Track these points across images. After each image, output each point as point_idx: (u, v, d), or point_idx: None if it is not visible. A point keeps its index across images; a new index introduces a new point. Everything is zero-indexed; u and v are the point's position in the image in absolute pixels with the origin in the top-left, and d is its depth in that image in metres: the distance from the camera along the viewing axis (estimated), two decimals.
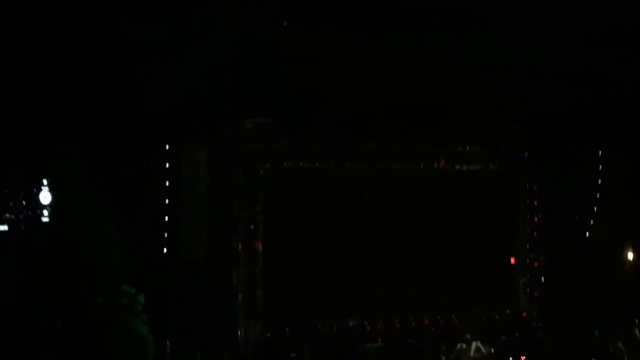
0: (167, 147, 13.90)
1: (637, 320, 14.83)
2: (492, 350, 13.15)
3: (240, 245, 14.50)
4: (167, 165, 13.81)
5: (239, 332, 14.53)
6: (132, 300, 2.15)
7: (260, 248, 14.66)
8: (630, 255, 18.03)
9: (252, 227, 14.54)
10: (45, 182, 11.11)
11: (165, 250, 13.87)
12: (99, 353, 1.82)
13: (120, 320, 2.06)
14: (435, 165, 16.03)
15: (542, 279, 16.81)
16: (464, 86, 14.30)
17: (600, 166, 16.64)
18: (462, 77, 13.31)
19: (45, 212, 10.93)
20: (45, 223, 10.86)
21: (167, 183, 13.81)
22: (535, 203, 16.85)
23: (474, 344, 12.89)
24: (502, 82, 15.24)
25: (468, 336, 13.65)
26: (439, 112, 15.74)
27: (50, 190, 10.83)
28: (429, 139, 15.94)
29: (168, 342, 13.20)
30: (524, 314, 16.79)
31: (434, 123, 15.85)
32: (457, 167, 16.26)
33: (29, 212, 11.12)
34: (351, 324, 15.34)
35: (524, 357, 11.66)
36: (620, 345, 12.55)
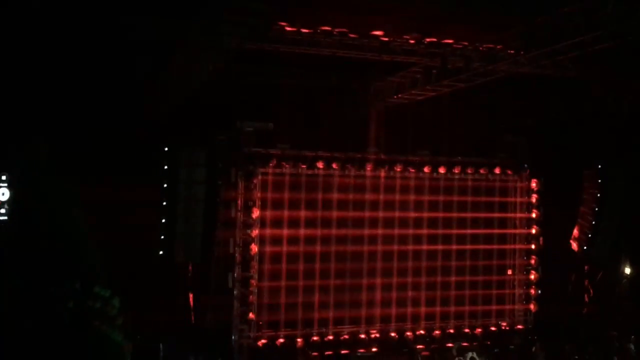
0: (166, 148, 13.85)
1: (632, 336, 14.79)
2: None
3: (236, 249, 14.42)
4: (166, 166, 13.74)
5: (233, 337, 14.44)
6: (105, 304, 1.93)
7: (257, 252, 14.58)
8: (627, 270, 18.02)
9: (249, 231, 14.47)
10: (3, 177, 10.66)
11: (161, 252, 13.80)
12: None
13: (93, 327, 1.85)
14: (435, 174, 16.00)
15: (539, 291, 16.74)
16: (464, 96, 14.37)
17: (600, 180, 16.61)
18: (463, 87, 13.32)
19: (3, 210, 10.43)
20: (2, 221, 10.34)
21: (165, 185, 13.74)
22: (534, 215, 16.81)
23: (469, 355, 12.81)
24: (501, 92, 15.33)
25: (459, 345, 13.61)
26: (439, 121, 15.81)
27: (9, 187, 10.47)
28: (430, 148, 15.95)
29: (161, 346, 13.12)
30: (520, 326, 16.73)
31: (435, 132, 15.90)
32: (457, 176, 16.23)
33: None
34: (346, 331, 15.28)
35: None
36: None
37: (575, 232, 17.36)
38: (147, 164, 13.45)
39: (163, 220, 13.75)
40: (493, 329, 16.45)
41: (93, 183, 11.74)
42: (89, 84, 12.03)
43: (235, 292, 14.44)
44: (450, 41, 11.72)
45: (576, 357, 13.32)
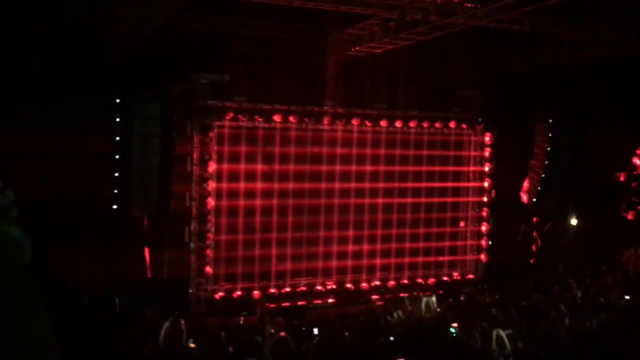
0: (118, 100, 13.43)
1: (575, 283, 15.47)
2: (439, 309, 13.49)
3: (192, 203, 14.30)
4: (118, 118, 13.35)
5: (190, 290, 14.46)
6: None
7: (213, 206, 14.50)
8: (573, 221, 18.76)
9: (205, 185, 14.33)
10: None
11: (115, 206, 13.55)
12: None
13: None
14: (392, 127, 16.10)
15: (489, 242, 17.28)
16: (419, 51, 14.39)
17: (550, 134, 17.04)
18: (419, 42, 13.32)
19: None
20: None
21: (118, 137, 13.38)
22: (486, 169, 17.19)
23: (425, 300, 13.19)
24: (457, 46, 15.41)
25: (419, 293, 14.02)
26: (396, 74, 15.82)
27: None
28: (387, 102, 16.00)
29: (117, 300, 13.02)
30: (471, 276, 17.32)
31: (392, 85, 15.93)
32: (413, 130, 16.38)
33: None
34: (302, 283, 15.50)
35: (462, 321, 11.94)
36: (562, 307, 13.05)
37: (526, 185, 17.89)
38: (100, 115, 13.05)
39: (116, 174, 13.44)
40: (445, 279, 16.99)
41: (45, 133, 11.38)
42: (37, 32, 11.50)
43: (192, 246, 14.40)
44: None
45: (523, 303, 13.86)
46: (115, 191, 13.46)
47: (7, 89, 11.32)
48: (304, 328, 11.89)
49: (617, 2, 11.45)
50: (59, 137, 12.99)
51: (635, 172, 17.89)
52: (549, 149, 17.09)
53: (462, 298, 15.05)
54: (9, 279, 1.33)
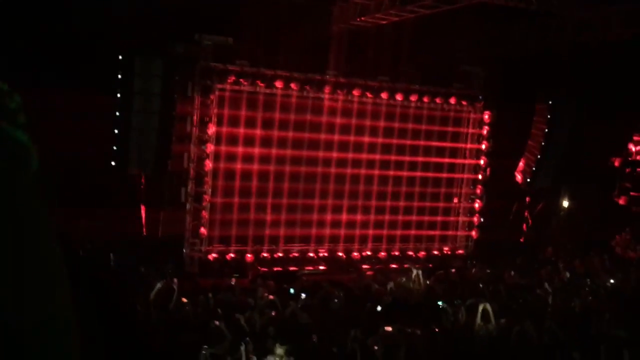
0: (120, 57, 13.38)
1: (563, 264, 15.73)
2: (428, 282, 13.73)
3: (190, 164, 14.39)
4: (120, 76, 13.33)
5: (184, 250, 14.65)
6: (2, 98, 1.27)
7: (211, 168, 14.59)
8: (565, 203, 18.95)
9: (204, 147, 14.40)
10: None
11: (113, 162, 13.62)
12: None
13: None
14: (392, 100, 16.11)
15: (481, 219, 17.47)
16: (424, 24, 14.34)
17: (549, 115, 17.09)
18: (425, 15, 13.28)
19: None
20: None
21: (119, 94, 13.38)
22: (483, 147, 17.28)
23: (414, 272, 13.41)
24: (462, 22, 15.36)
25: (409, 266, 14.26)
26: (400, 47, 15.79)
27: None
28: (389, 74, 15.98)
29: (112, 255, 13.20)
30: (461, 251, 17.56)
31: (395, 58, 15.91)
32: (413, 104, 16.40)
33: None
34: (295, 249, 15.71)
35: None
36: (547, 286, 13.31)
37: (521, 164, 18.01)
38: (102, 72, 13.02)
39: (116, 131, 13.47)
40: (436, 252, 17.22)
41: (46, 90, 11.39)
42: None
43: (187, 207, 14.53)
44: None
45: (511, 280, 14.13)
46: (114, 148, 13.52)
47: (9, 45, 11.27)
48: (293, 292, 12.12)
49: None
50: (60, 94, 13.00)
51: (630, 158, 18.02)
52: (546, 130, 17.16)
53: (451, 272, 15.29)
54: (18, 183, 1.29)
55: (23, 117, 1.36)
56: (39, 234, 1.24)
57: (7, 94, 1.35)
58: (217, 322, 9.18)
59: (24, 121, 1.35)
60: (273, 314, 10.34)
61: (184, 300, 10.77)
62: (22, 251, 1.20)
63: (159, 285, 11.11)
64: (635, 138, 17.89)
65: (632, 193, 18.28)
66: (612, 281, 14.53)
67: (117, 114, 13.42)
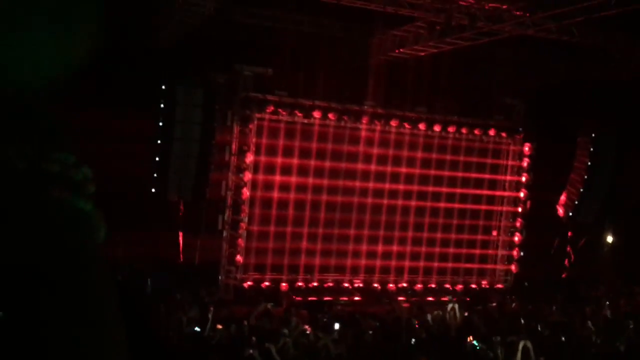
0: (164, 86, 13.76)
1: (607, 302, 15.20)
2: (466, 314, 13.43)
3: (228, 192, 14.55)
4: (163, 104, 13.68)
5: (220, 277, 14.73)
6: (68, 169, 1.18)
7: (248, 197, 14.72)
8: (609, 239, 18.40)
9: (241, 175, 14.56)
10: None
11: (153, 189, 13.90)
12: (17, 237, 1.18)
13: (51, 194, 1.14)
14: (430, 131, 16.04)
15: (521, 253, 17.08)
16: (463, 56, 14.32)
17: (592, 148, 16.75)
18: (464, 47, 13.27)
19: None
20: None
21: (161, 123, 13.71)
22: (523, 179, 16.99)
23: (450, 306, 13.14)
24: (503, 53, 15.28)
25: (447, 299, 13.99)
26: (439, 78, 15.78)
27: None
28: (427, 105, 15.96)
29: (149, 281, 13.37)
30: (499, 285, 17.15)
31: (434, 89, 15.89)
32: (451, 135, 16.29)
33: None
34: (330, 279, 15.61)
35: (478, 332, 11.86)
36: (589, 324, 12.86)
37: (563, 198, 17.61)
38: (146, 101, 13.38)
39: (157, 158, 13.78)
40: (473, 286, 16.87)
41: (91, 114, 11.72)
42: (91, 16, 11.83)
43: (224, 234, 14.65)
44: None
45: (552, 318, 13.70)
46: (155, 175, 13.80)
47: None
48: (327, 322, 12.01)
49: None
50: (104, 119, 13.37)
51: None
52: (589, 163, 16.79)
53: (490, 307, 14.93)
54: (88, 262, 1.25)
55: (92, 188, 1.33)
56: (108, 315, 1.23)
57: (74, 165, 1.32)
58: (250, 351, 9.15)
59: (91, 192, 1.32)
60: (306, 344, 10.25)
61: (219, 327, 10.79)
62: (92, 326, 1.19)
63: (194, 311, 11.18)
64: None
65: None
66: None
67: (159, 141, 13.74)
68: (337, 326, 11.53)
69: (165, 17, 13.01)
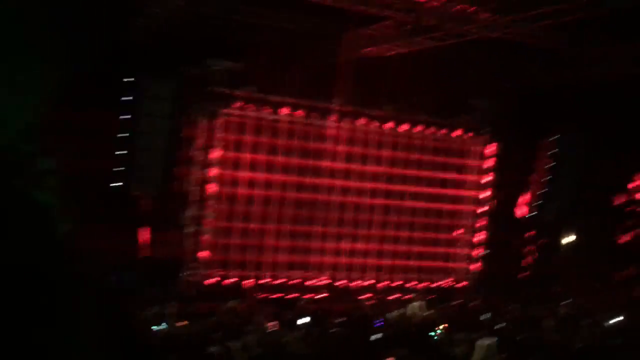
0: (131, 79, 13.47)
1: (567, 299, 15.54)
2: (430, 312, 13.56)
3: (193, 187, 14.38)
4: (129, 97, 13.41)
5: (184, 274, 14.54)
6: (27, 159, 1.30)
7: (213, 192, 14.57)
8: (571, 238, 18.81)
9: (207, 170, 14.40)
10: None
11: (117, 183, 13.61)
12: None
13: (12, 186, 1.30)
14: (397, 130, 16.15)
15: (484, 252, 17.34)
16: (432, 56, 14.44)
17: (555, 150, 17.09)
18: (433, 47, 13.38)
19: None
20: None
21: (127, 116, 13.44)
22: (488, 179, 17.24)
23: (416, 303, 13.25)
24: (470, 55, 15.46)
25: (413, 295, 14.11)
26: (407, 78, 15.87)
27: None
28: (395, 104, 16.04)
29: (112, 277, 13.09)
30: (463, 284, 17.37)
31: (402, 88, 15.98)
32: (418, 134, 16.42)
33: None
34: (295, 276, 15.57)
35: (447, 325, 12.01)
36: (550, 321, 13.13)
37: (526, 197, 17.93)
38: (112, 94, 13.11)
39: (122, 152, 13.51)
40: (438, 284, 17.05)
41: (53, 104, 11.41)
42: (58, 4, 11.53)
43: (189, 230, 14.47)
44: None
45: (513, 315, 13.96)
46: (119, 169, 13.54)
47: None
48: (292, 319, 11.98)
49: (632, 24, 11.48)
50: (69, 112, 13.03)
51: (634, 195, 17.94)
52: (552, 164, 17.13)
53: (452, 305, 15.11)
54: (49, 254, 1.23)
55: (54, 180, 1.27)
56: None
57: (36, 155, 1.28)
58: (214, 348, 9.06)
59: (53, 184, 1.28)
60: (270, 341, 10.21)
61: (182, 324, 10.65)
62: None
63: (157, 308, 11.02)
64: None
65: (636, 230, 18.15)
66: (618, 318, 14.31)
67: (124, 134, 13.48)
68: (302, 323, 11.51)
69: (135, 9, 12.77)
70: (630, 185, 18.17)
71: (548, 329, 12.71)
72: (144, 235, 14.58)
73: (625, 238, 17.94)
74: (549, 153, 17.27)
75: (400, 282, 16.61)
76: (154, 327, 10.53)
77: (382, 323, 12.21)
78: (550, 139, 17.28)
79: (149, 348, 9.37)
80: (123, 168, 13.50)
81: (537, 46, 13.20)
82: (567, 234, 18.79)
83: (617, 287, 17.81)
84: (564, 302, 15.27)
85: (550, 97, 16.39)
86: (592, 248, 18.22)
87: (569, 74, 14.54)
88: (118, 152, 13.53)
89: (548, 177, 17.19)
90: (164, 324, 10.63)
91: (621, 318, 14.31)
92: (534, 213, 17.63)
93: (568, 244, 18.85)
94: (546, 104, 16.64)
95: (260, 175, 15.05)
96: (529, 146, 17.65)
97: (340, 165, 15.77)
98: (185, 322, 10.66)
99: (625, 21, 11.20)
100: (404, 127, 16.13)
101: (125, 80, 13.43)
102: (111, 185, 13.52)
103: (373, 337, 11.11)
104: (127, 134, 13.43)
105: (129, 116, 13.42)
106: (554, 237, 18.62)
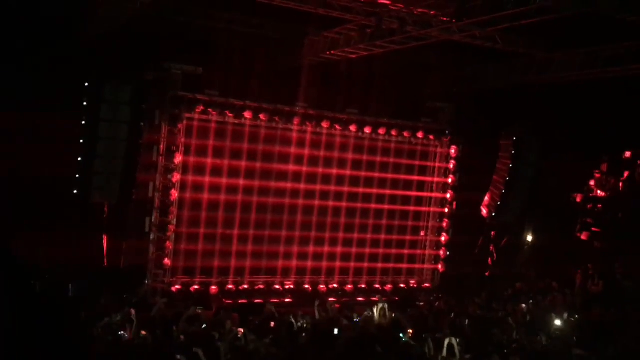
0: (87, 84, 13.19)
1: (527, 298, 15.82)
2: (394, 315, 13.63)
3: (155, 194, 14.17)
4: (86, 102, 13.13)
5: (147, 281, 14.32)
6: None
7: (176, 198, 14.40)
8: (529, 238, 19.21)
9: (170, 176, 14.22)
10: None
11: (75, 191, 13.31)
12: None
13: None
14: (361, 133, 16.24)
15: (448, 253, 17.57)
16: (393, 59, 14.58)
17: (514, 151, 17.42)
18: (394, 51, 13.51)
19: None
20: None
21: (84, 121, 13.15)
22: (450, 180, 17.48)
23: (380, 305, 13.30)
24: (431, 58, 15.68)
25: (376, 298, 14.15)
26: (370, 81, 16.01)
27: None
28: (358, 107, 16.13)
29: (71, 285, 12.83)
30: (427, 284, 17.57)
31: (364, 92, 16.11)
32: (381, 137, 16.54)
33: None
34: (261, 281, 15.51)
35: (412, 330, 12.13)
36: (510, 320, 13.34)
37: (487, 199, 18.24)
38: (69, 98, 12.81)
39: (80, 158, 13.21)
40: (402, 285, 17.21)
41: (10, 112, 11.14)
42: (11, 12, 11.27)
43: (151, 237, 14.27)
44: (387, 2, 11.79)
45: (478, 312, 14.15)
46: (77, 176, 13.23)
47: None
48: (258, 324, 11.90)
49: (586, 29, 11.80)
50: (24, 117, 12.73)
51: (591, 194, 18.41)
52: (511, 165, 17.46)
53: (418, 305, 15.25)
54: None
55: None
56: None
57: None
58: (179, 356, 8.91)
59: None
60: (237, 347, 10.10)
61: (144, 332, 10.45)
62: None
63: (118, 316, 10.79)
64: (596, 175, 18.29)
65: (593, 229, 18.60)
66: (576, 316, 14.64)
67: (82, 140, 13.18)
68: (268, 328, 11.44)
69: (92, 11, 12.52)
70: (586, 185, 18.64)
71: (509, 327, 12.91)
72: (106, 243, 14.31)
73: (582, 237, 18.38)
74: (508, 155, 17.60)
75: (366, 285, 16.70)
76: (117, 335, 10.31)
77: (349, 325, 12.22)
78: (509, 141, 17.62)
79: (108, 357, 9.17)
80: (82, 175, 13.18)
81: (495, 49, 13.46)
82: (526, 234, 19.20)
83: (575, 286, 18.24)
84: (523, 300, 15.53)
85: (508, 99, 16.73)
86: (549, 247, 18.62)
87: (526, 76, 14.86)
88: (77, 159, 13.22)
89: (506, 179, 17.51)
90: (127, 332, 10.41)
91: (578, 317, 14.65)
92: (493, 214, 17.93)
93: (526, 243, 19.25)
94: (504, 106, 16.97)
95: (224, 180, 14.93)
96: (490, 148, 17.97)
97: (304, 168, 15.77)
98: (149, 330, 10.46)
99: (579, 26, 11.51)
100: (368, 129, 16.23)
101: (85, 85, 13.15)
102: (72, 192, 13.20)
103: (340, 340, 11.11)
104: (86, 140, 13.12)
105: (87, 122, 13.11)
106: (513, 237, 18.99)
